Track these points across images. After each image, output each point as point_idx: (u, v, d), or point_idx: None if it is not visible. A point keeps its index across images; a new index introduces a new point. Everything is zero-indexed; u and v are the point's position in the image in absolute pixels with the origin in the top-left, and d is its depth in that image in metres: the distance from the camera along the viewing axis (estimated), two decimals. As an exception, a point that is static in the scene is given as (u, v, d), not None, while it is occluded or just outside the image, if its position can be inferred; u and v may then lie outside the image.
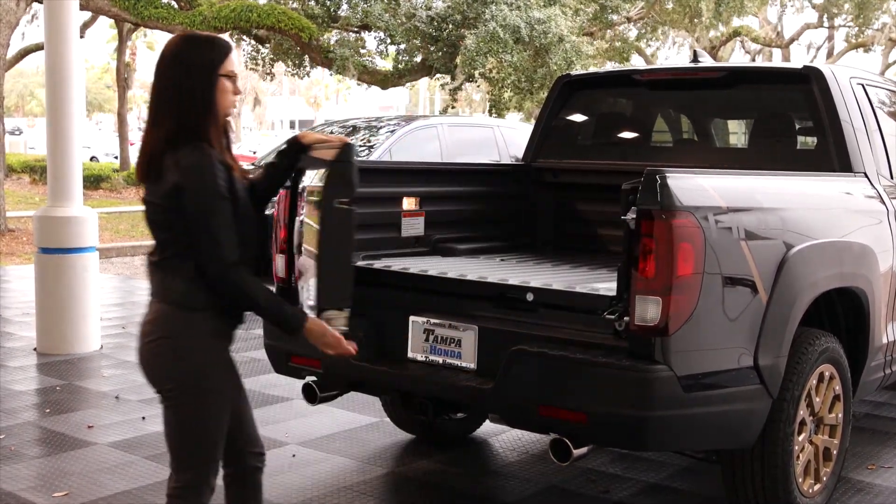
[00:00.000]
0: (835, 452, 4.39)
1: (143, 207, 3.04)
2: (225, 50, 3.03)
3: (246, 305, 3.03)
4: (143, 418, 5.81)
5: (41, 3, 8.39)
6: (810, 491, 4.21)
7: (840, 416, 4.39)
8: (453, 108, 21.66)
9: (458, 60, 18.37)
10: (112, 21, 27.14)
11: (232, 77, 3.03)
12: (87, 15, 23.61)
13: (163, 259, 3.03)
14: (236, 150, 4.66)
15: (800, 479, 4.12)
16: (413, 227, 5.05)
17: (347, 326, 3.23)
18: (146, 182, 3.00)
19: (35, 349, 7.62)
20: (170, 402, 3.05)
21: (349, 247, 3.31)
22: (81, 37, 15.53)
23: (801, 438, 4.11)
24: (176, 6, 19.31)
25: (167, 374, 3.02)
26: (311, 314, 3.13)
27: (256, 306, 3.02)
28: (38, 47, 27.69)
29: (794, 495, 4.03)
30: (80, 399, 6.31)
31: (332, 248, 3.26)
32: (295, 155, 3.34)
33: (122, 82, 30.50)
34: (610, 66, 24.08)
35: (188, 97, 2.95)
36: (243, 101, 61.06)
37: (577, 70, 17.01)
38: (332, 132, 11.70)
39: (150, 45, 40.25)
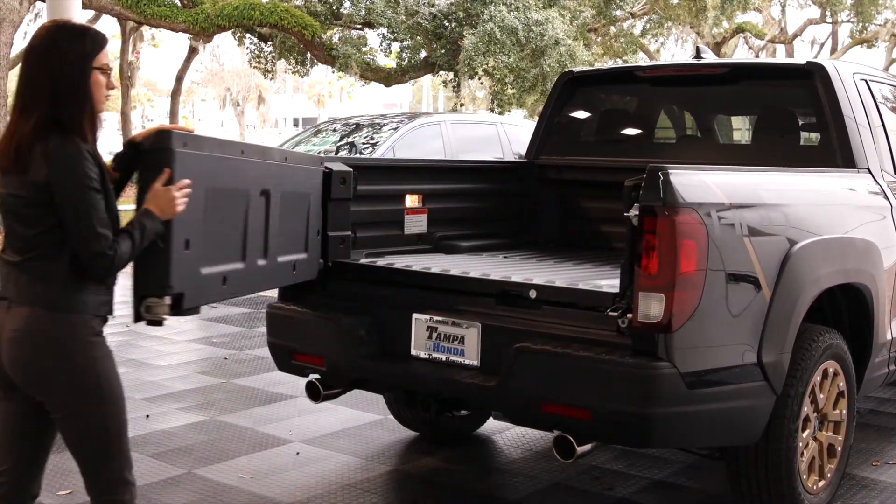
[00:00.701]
0: (839, 449, 4.38)
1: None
2: (100, 42, 2.95)
3: (127, 259, 2.94)
4: (148, 416, 5.82)
5: (44, 1, 8.41)
6: (814, 487, 4.21)
7: (844, 412, 4.38)
8: (462, 105, 21.64)
9: (460, 57, 18.38)
10: (115, 20, 27.14)
11: (105, 70, 2.95)
12: (91, 14, 23.62)
13: (27, 259, 2.88)
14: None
15: (804, 476, 4.11)
16: (416, 224, 5.05)
17: (167, 315, 3.22)
18: (8, 173, 2.87)
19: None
20: (69, 413, 2.95)
21: (168, 233, 3.19)
22: (84, 35, 15.52)
23: (805, 435, 4.10)
24: (179, 4, 19.33)
25: (61, 386, 2.91)
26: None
27: (137, 243, 2.95)
28: (42, 46, 27.68)
29: (798, 492, 4.03)
30: (85, 397, 6.31)
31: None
32: (134, 157, 3.20)
33: (126, 81, 30.51)
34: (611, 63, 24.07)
35: (62, 88, 2.86)
36: (247, 99, 61.12)
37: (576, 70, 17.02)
38: (335, 130, 11.70)
39: (154, 44, 40.26)
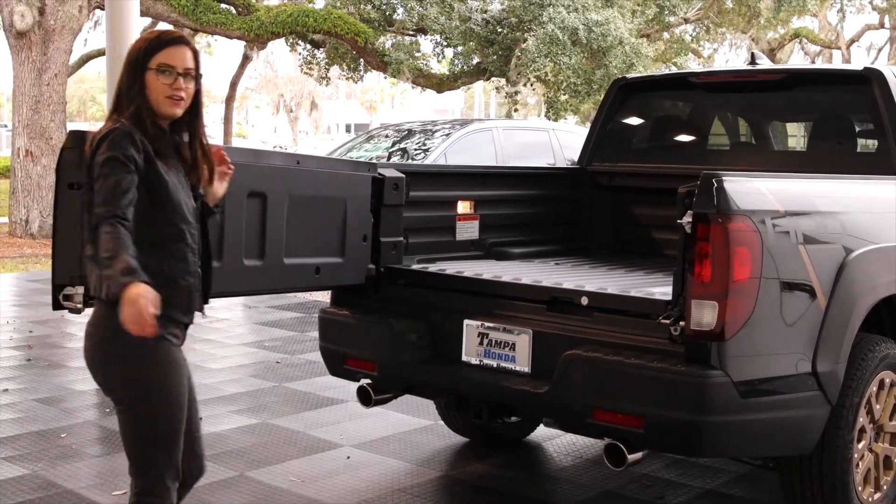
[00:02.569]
0: (895, 461, 4.32)
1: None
2: (159, 43, 2.97)
3: (96, 253, 2.75)
4: (201, 419, 5.86)
5: (103, 9, 8.53)
6: (870, 500, 4.14)
7: (901, 423, 4.31)
8: (516, 110, 21.63)
9: (512, 63, 18.34)
10: (172, 27, 27.51)
11: (163, 69, 2.95)
12: (148, 21, 23.95)
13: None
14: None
15: (859, 488, 4.05)
16: (468, 230, 5.06)
17: (83, 304, 3.36)
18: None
19: (95, 350, 7.73)
20: (122, 409, 3.00)
21: (79, 227, 3.27)
22: (141, 42, 15.75)
23: (860, 446, 4.04)
24: (234, 11, 19.53)
25: (116, 382, 2.99)
26: (140, 284, 2.67)
27: (99, 257, 2.73)
28: (100, 53, 28.19)
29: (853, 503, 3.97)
30: (139, 399, 6.39)
31: (65, 228, 3.41)
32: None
33: (181, 87, 30.85)
34: (664, 69, 23.90)
35: (119, 86, 3.00)
36: (300, 105, 61.55)
37: (638, 72, 16.91)
38: (387, 136, 11.74)
39: (209, 51, 40.69)
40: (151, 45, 2.97)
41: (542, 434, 5.64)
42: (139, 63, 2.97)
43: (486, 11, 19.27)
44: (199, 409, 6.22)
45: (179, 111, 3.00)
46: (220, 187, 3.24)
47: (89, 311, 3.12)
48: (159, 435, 3.01)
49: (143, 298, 2.63)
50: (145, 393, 2.97)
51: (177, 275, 3.00)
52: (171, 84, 2.96)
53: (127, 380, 2.96)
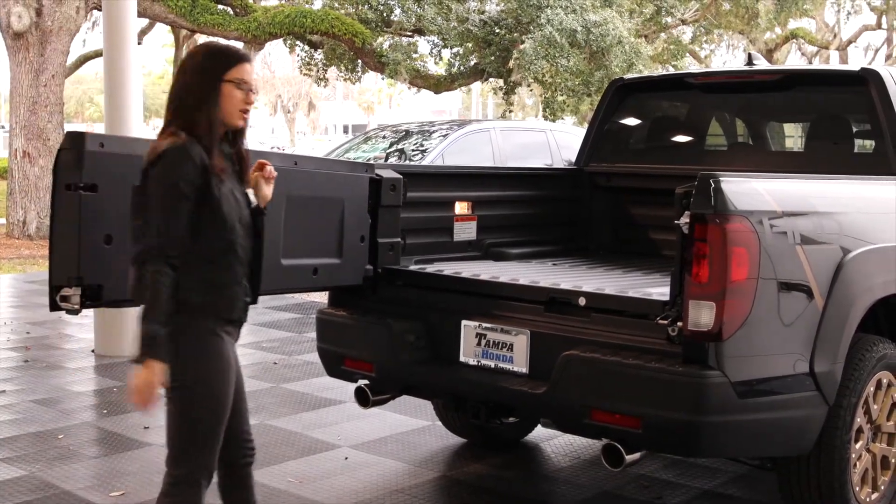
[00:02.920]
0: (893, 461, 4.32)
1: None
2: (236, 58, 3.12)
3: (138, 296, 2.95)
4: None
5: (101, 10, 8.53)
6: (868, 500, 4.15)
7: (898, 423, 4.32)
8: (510, 111, 21.63)
9: (510, 64, 18.34)
10: (169, 28, 27.50)
11: (240, 84, 3.10)
12: (145, 22, 23.94)
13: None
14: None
15: (857, 488, 4.06)
16: (465, 231, 5.06)
17: (80, 305, 3.36)
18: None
19: (93, 351, 7.74)
20: (169, 398, 3.09)
21: (76, 228, 3.37)
22: (139, 43, 15.77)
23: (858, 446, 4.05)
24: (231, 12, 19.52)
25: (170, 373, 3.03)
26: (159, 361, 2.92)
27: (142, 303, 2.92)
28: (97, 54, 28.15)
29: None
30: (137, 400, 6.39)
31: (62, 229, 3.41)
32: None
33: (179, 88, 30.84)
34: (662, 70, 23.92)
35: (188, 95, 3.06)
36: (297, 105, 61.55)
37: (638, 71, 16.91)
38: (384, 136, 11.74)
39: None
40: (228, 60, 3.10)
41: (540, 434, 5.64)
42: (214, 75, 3.07)
43: (483, 12, 19.27)
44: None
45: (244, 124, 3.18)
46: (268, 190, 3.33)
47: (86, 312, 3.13)
48: (200, 427, 3.11)
49: (155, 378, 2.89)
50: (193, 383, 3.07)
51: (224, 284, 3.13)
52: (244, 99, 3.11)
53: (177, 370, 3.02)
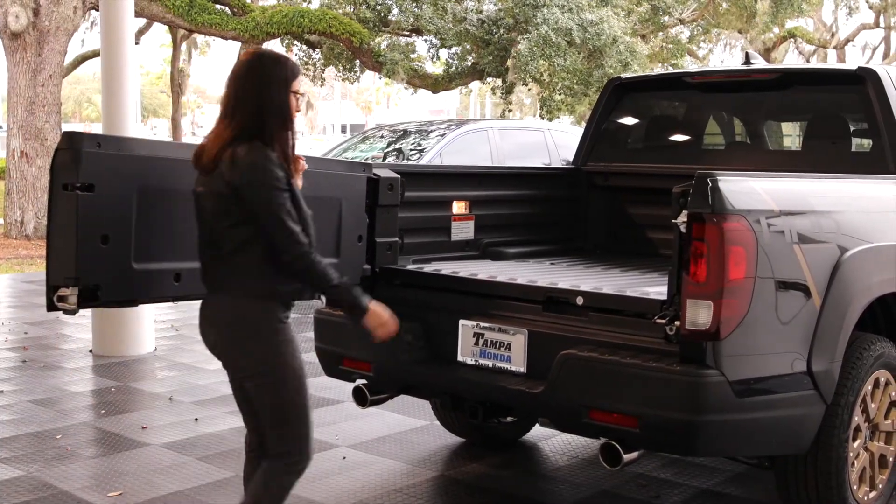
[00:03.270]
0: (891, 460, 4.32)
1: (201, 201, 3.33)
2: (296, 70, 3.39)
3: (321, 286, 3.33)
4: (196, 420, 5.88)
5: (98, 10, 8.55)
6: (865, 498, 4.15)
7: (896, 422, 4.32)
8: (510, 111, 21.62)
9: (508, 64, 18.33)
10: (167, 27, 27.50)
11: (297, 95, 3.37)
12: (143, 22, 23.93)
13: (222, 254, 3.29)
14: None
15: (854, 487, 4.06)
16: (463, 230, 5.06)
17: (77, 305, 3.38)
18: (206, 173, 3.28)
19: (91, 351, 7.74)
20: (259, 383, 3.33)
21: (73, 228, 3.37)
22: (137, 43, 15.74)
23: (855, 445, 4.05)
24: (229, 12, 19.51)
25: (251, 358, 3.31)
26: (371, 299, 3.39)
27: (331, 287, 3.31)
28: (95, 54, 28.14)
29: (848, 502, 3.98)
30: (135, 400, 6.39)
31: (59, 229, 3.41)
32: None
33: (177, 88, 30.88)
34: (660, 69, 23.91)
35: (267, 105, 3.27)
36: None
37: (634, 71, 16.91)
38: (382, 136, 11.74)
39: (203, 52, 40.66)
40: (294, 72, 3.38)
41: (538, 434, 5.64)
42: (288, 85, 3.34)
43: (481, 12, 19.27)
44: (195, 409, 6.25)
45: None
46: (299, 182, 3.54)
47: (84, 312, 3.15)
48: (292, 403, 3.35)
49: (383, 310, 3.41)
50: (279, 365, 3.31)
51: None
52: (297, 106, 3.39)
53: (262, 355, 3.30)
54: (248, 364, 3.34)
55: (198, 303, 3.52)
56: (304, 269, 3.26)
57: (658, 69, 21.88)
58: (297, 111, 3.39)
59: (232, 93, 3.32)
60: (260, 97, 3.28)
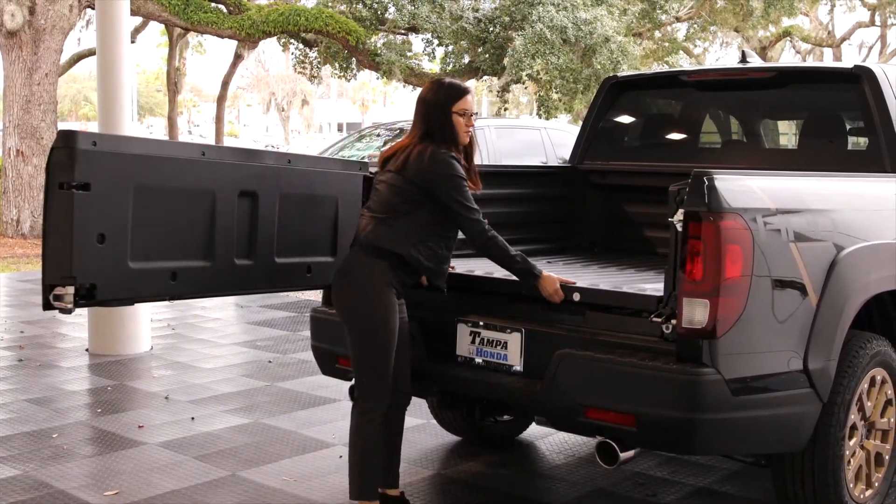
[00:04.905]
0: (887, 458, 4.32)
1: (379, 185, 4.06)
2: (458, 92, 4.06)
3: (503, 261, 3.94)
4: (193, 419, 5.88)
5: (94, 9, 8.52)
6: (862, 496, 4.16)
7: (892, 420, 4.32)
8: (505, 109, 21.62)
9: (505, 62, 18.34)
10: (163, 26, 27.48)
11: (462, 114, 4.03)
12: (139, 20, 23.91)
13: (387, 218, 3.96)
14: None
15: (851, 485, 4.06)
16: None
17: (73, 304, 3.40)
18: (393, 168, 4.01)
19: (87, 350, 7.73)
20: (351, 333, 3.97)
21: (69, 227, 3.37)
22: (133, 42, 15.73)
23: (852, 443, 4.06)
24: (225, 11, 19.50)
25: (353, 313, 3.96)
26: (545, 273, 3.92)
27: (511, 260, 3.92)
28: (91, 52, 28.11)
29: (844, 500, 3.98)
30: (131, 399, 6.39)
31: (55, 228, 3.41)
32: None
33: (173, 87, 30.84)
34: (657, 68, 23.91)
35: (431, 124, 4.02)
36: (291, 104, 61.50)
37: (624, 70, 16.92)
38: (378, 134, 11.74)
39: (199, 51, 40.61)
40: (458, 93, 4.07)
41: (535, 432, 5.64)
42: (447, 107, 4.03)
43: (477, 10, 19.26)
44: (191, 408, 6.24)
45: (468, 139, 4.13)
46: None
47: (80, 311, 3.15)
48: (368, 362, 3.96)
49: (555, 280, 3.91)
50: (367, 329, 3.94)
51: (444, 255, 4.07)
52: (466, 122, 4.07)
53: (362, 307, 3.94)
54: (349, 315, 4.03)
55: (194, 302, 3.52)
56: (490, 251, 3.96)
57: (655, 68, 21.87)
58: (468, 126, 4.08)
59: (417, 112, 4.11)
60: (427, 117, 4.06)
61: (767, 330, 3.56)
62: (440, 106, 4.03)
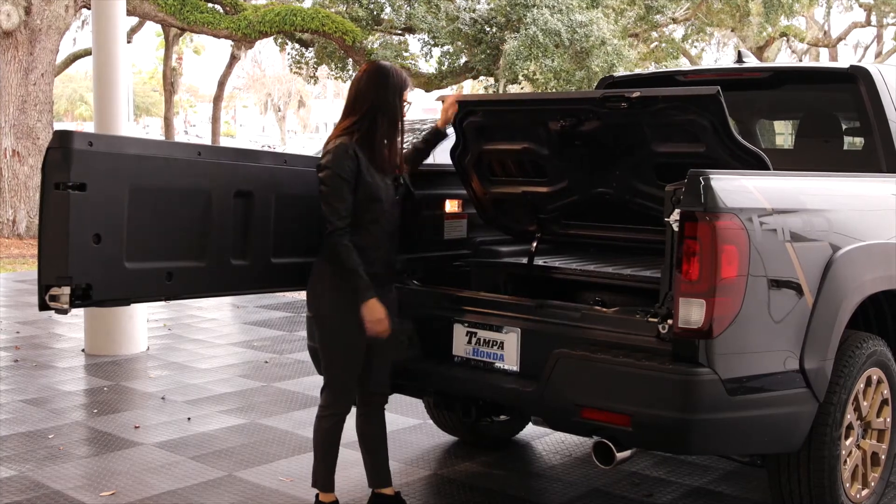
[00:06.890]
0: (883, 457, 4.33)
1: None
2: (408, 81, 4.04)
3: (340, 263, 3.85)
4: (189, 419, 5.87)
5: (90, 9, 8.52)
6: (858, 496, 4.16)
7: (888, 420, 4.32)
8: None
9: (501, 62, 18.35)
10: (159, 26, 27.47)
11: (406, 104, 4.00)
12: (135, 20, 23.89)
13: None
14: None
15: (847, 484, 4.07)
16: (456, 229, 5.06)
17: (69, 304, 3.40)
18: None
19: (83, 350, 7.72)
20: (317, 332, 4.09)
21: (65, 227, 3.38)
22: (129, 42, 15.71)
23: (848, 443, 4.06)
24: (221, 11, 19.49)
25: (315, 313, 4.03)
26: (374, 297, 3.85)
27: (343, 267, 3.84)
28: (87, 52, 28.09)
29: (841, 500, 3.98)
30: (127, 399, 6.38)
31: (51, 228, 3.41)
32: (434, 139, 4.65)
33: (169, 87, 30.83)
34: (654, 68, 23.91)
35: (381, 108, 3.92)
36: (287, 104, 61.47)
37: (620, 72, 16.93)
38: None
39: (196, 50, 40.59)
40: (406, 83, 4.03)
41: (531, 432, 5.64)
42: (400, 93, 3.98)
43: (473, 11, 19.27)
44: (188, 408, 6.23)
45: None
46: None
47: (76, 312, 3.15)
48: (333, 365, 4.08)
49: (378, 310, 3.86)
50: (326, 329, 4.01)
51: (366, 247, 3.94)
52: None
53: (317, 310, 4.01)
54: (314, 314, 4.12)
55: (190, 302, 3.53)
56: (331, 247, 3.85)
57: (652, 69, 21.88)
58: (403, 117, 4.01)
59: (354, 94, 3.97)
60: (377, 101, 3.91)
61: (763, 330, 3.56)
62: (399, 89, 4.03)
